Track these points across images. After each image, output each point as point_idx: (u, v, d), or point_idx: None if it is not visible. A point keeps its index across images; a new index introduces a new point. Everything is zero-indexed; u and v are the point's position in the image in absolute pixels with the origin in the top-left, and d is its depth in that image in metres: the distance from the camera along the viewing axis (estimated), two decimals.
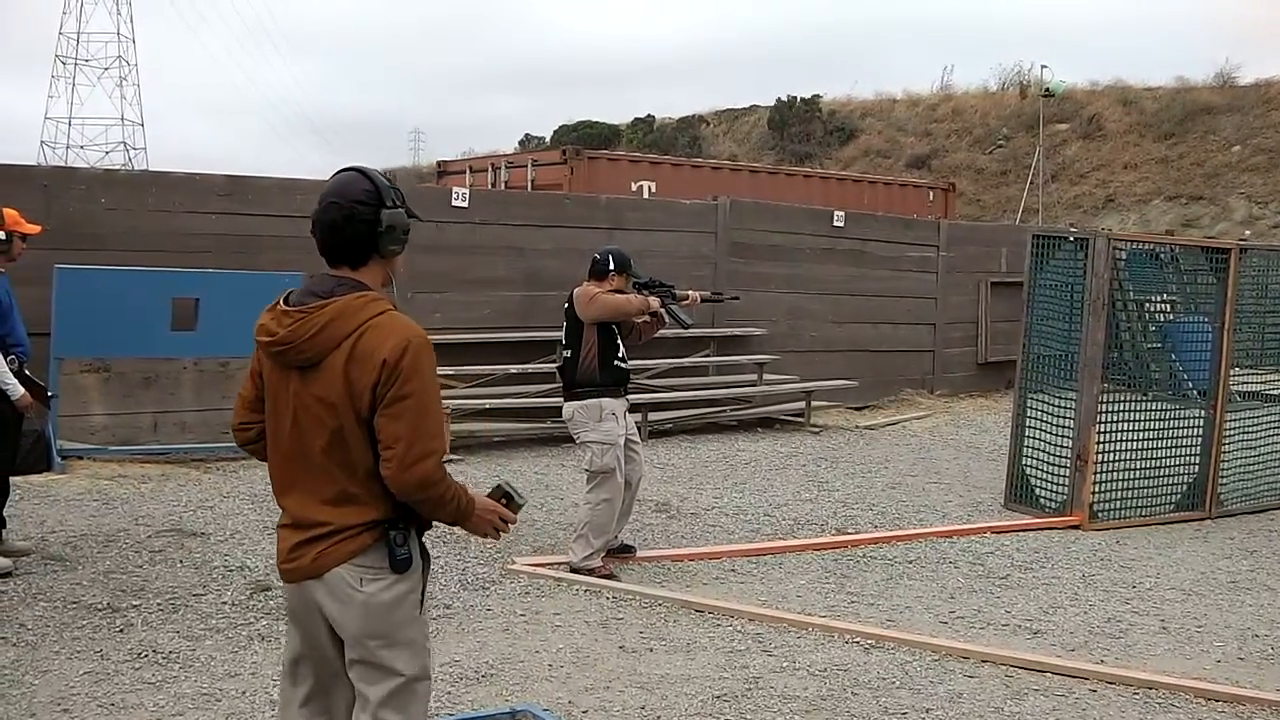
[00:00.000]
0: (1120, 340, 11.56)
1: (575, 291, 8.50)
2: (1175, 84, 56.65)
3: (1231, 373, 11.44)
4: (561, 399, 8.64)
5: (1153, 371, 12.36)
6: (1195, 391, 11.74)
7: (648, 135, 57.14)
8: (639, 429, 13.53)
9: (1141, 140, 53.44)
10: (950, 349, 18.47)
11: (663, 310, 8.64)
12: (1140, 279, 12.62)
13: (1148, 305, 12.99)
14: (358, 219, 3.65)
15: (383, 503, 3.65)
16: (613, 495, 8.35)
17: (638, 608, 7.66)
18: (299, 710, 3.90)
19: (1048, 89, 43.65)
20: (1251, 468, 11.75)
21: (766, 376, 15.32)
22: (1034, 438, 11.11)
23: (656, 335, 9.04)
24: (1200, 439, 11.29)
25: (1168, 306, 12.93)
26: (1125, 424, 10.88)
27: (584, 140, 46.44)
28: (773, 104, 59.04)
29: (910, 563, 9.07)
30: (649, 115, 60.38)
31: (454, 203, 14.04)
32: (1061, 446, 10.77)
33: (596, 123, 57.48)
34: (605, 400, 8.33)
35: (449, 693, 6.10)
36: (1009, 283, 17.55)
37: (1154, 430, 11.11)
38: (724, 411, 14.84)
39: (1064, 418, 10.78)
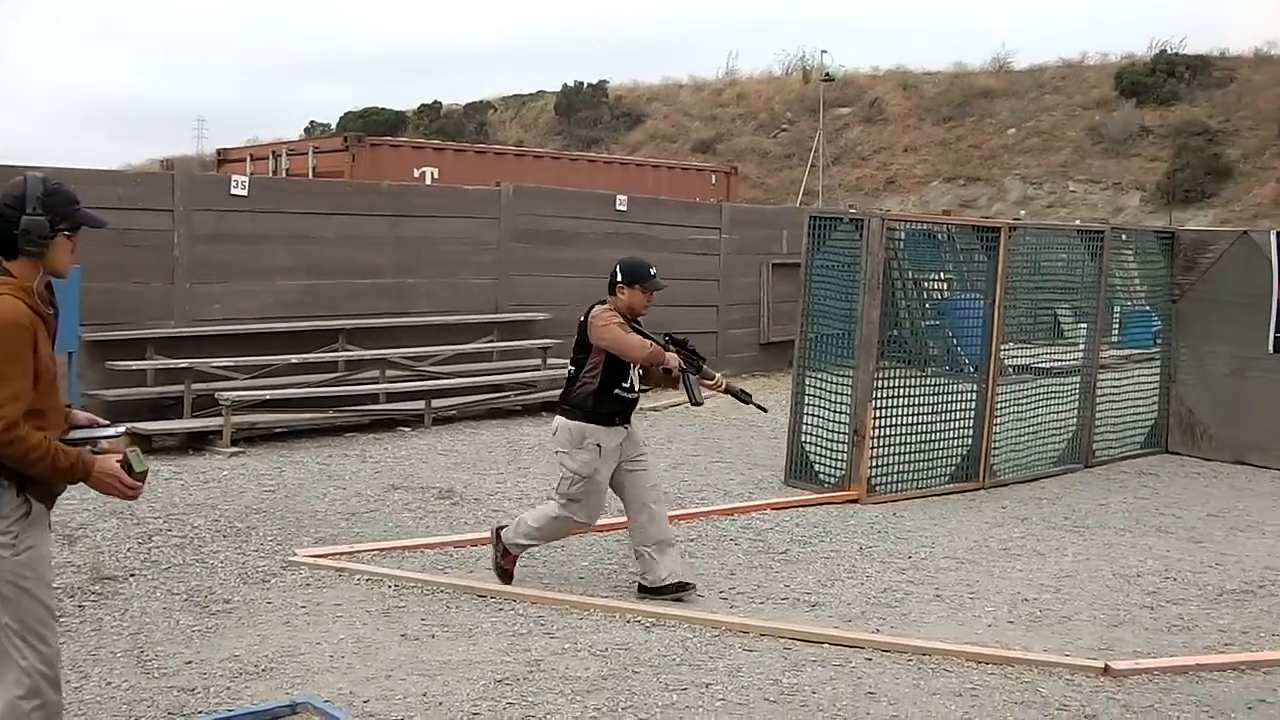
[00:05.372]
0: (899, 318, 11.82)
1: (594, 309, 7.79)
2: (954, 69, 58.11)
3: (1003, 347, 11.78)
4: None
5: (930, 348, 12.68)
6: (970, 366, 12.07)
7: (434, 122, 56.77)
8: (424, 417, 13.56)
9: (921, 124, 54.69)
10: (733, 330, 18.69)
11: (679, 374, 7.79)
12: (918, 258, 12.93)
13: (925, 284, 13.32)
14: (4, 219, 4.30)
15: None
16: (569, 517, 7.79)
17: (420, 595, 7.62)
18: None
19: (828, 74, 44.41)
20: (1023, 438, 12.14)
21: (551, 361, 15.32)
22: (813, 415, 11.30)
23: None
24: (973, 412, 11.61)
25: (944, 284, 13.26)
26: (901, 400, 11.14)
27: (370, 127, 45.96)
28: (560, 89, 59.09)
29: (692, 541, 9.15)
30: (435, 102, 59.96)
31: (233, 191, 13.73)
32: (839, 423, 10.98)
33: (383, 109, 56.90)
34: (590, 427, 7.66)
35: (228, 688, 6.03)
36: (790, 264, 17.75)
37: (929, 405, 11.40)
38: (508, 397, 14.80)
39: (842, 395, 10.99)
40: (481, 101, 61.40)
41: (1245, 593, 8.42)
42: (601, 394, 7.68)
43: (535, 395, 14.97)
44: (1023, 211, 44.44)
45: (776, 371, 18.41)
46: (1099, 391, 13.06)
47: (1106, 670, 6.71)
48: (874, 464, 10.81)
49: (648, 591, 7.71)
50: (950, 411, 11.52)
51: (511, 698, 6.00)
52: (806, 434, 11.33)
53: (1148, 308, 14.23)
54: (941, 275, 13.33)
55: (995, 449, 11.67)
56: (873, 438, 10.77)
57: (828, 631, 7.18)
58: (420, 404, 13.79)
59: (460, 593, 7.69)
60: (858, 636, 7.12)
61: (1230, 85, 50.84)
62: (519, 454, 12.35)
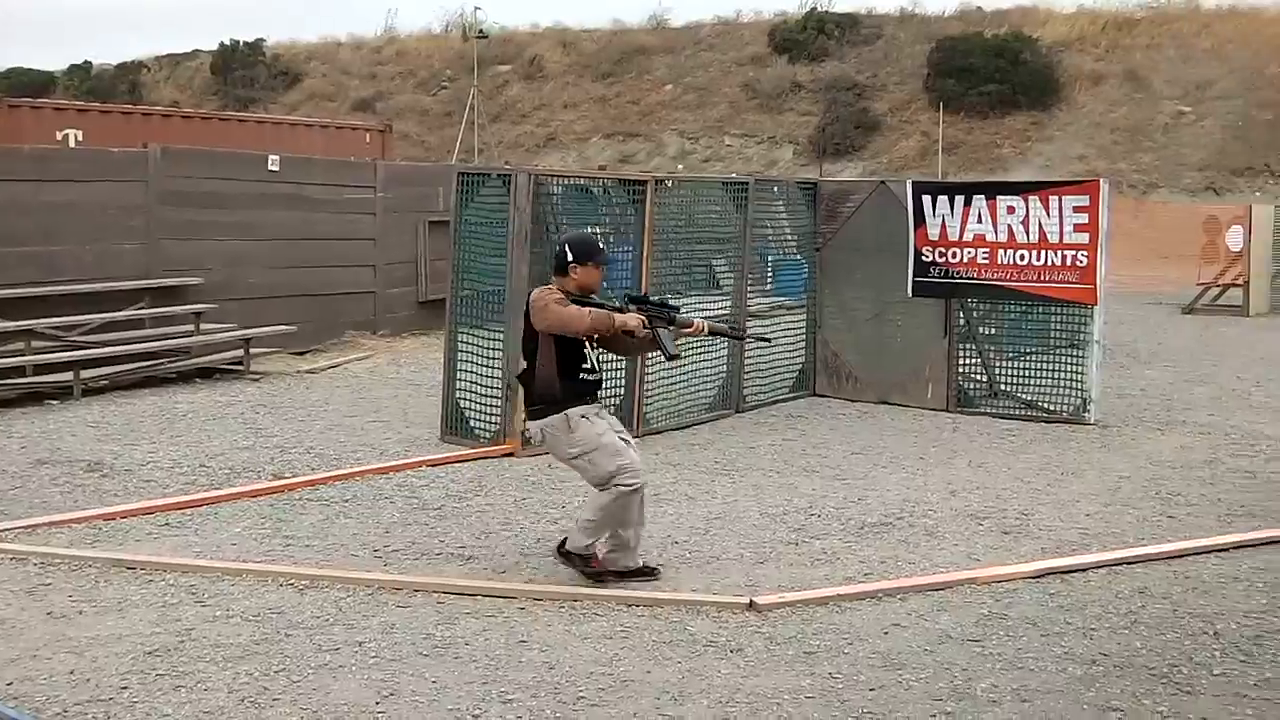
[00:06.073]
0: None
1: (533, 293, 7.40)
2: (612, 26, 58.78)
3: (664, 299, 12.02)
4: None
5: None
6: None
7: (85, 83, 54.80)
8: (73, 389, 13.14)
9: (580, 80, 55.27)
10: (391, 289, 18.60)
11: (646, 331, 7.41)
12: (574, 214, 13.12)
13: None
14: None
15: None
16: (621, 490, 7.31)
17: (67, 571, 7.44)
18: None
19: (482, 31, 44.45)
20: (674, 388, 12.45)
21: (205, 326, 15.03)
22: (466, 371, 11.39)
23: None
24: (625, 363, 11.85)
25: (599, 239, 13.47)
26: None
27: (15, 89, 44.05)
28: (216, 48, 57.69)
29: (347, 502, 9.17)
30: (86, 62, 57.77)
31: None
32: (493, 379, 11.09)
33: (29, 70, 54.59)
34: (570, 410, 7.30)
35: None
36: (447, 221, 17.80)
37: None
38: (161, 364, 14.46)
39: (495, 351, 11.10)
40: (134, 61, 59.46)
41: (885, 525, 8.89)
42: (566, 378, 7.32)
43: (190, 362, 14.68)
44: (680, 165, 45.44)
45: (435, 329, 18.36)
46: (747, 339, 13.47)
47: (751, 605, 7.01)
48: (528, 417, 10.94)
49: (565, 555, 7.52)
50: (604, 363, 11.72)
51: (162, 669, 5.95)
52: (461, 390, 11.41)
53: (799, 257, 14.75)
54: (597, 230, 13.56)
55: (648, 398, 11.97)
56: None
57: (481, 583, 7.32)
58: (69, 375, 13.36)
59: (109, 566, 7.53)
60: (510, 586, 7.27)
61: (877, 43, 52.92)
62: (172, 422, 12.10)
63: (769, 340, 8.60)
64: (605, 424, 7.45)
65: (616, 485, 7.28)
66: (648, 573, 7.54)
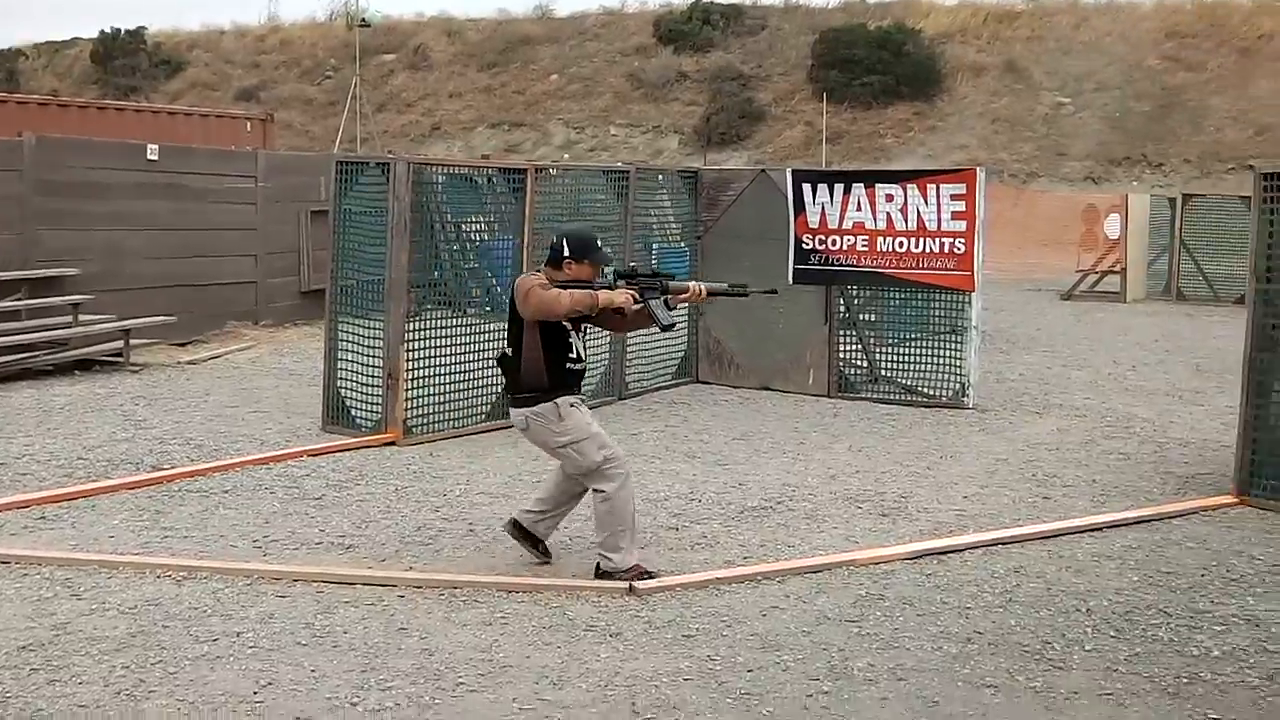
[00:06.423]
0: (439, 262, 11.94)
1: (518, 280, 7.26)
2: (498, 15, 58.70)
3: None
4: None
5: (472, 290, 12.87)
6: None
7: None
8: None
9: (466, 70, 55.08)
10: (273, 279, 18.42)
11: (639, 305, 7.29)
12: (457, 203, 13.08)
13: (465, 227, 13.50)
14: None
15: None
16: (620, 479, 7.27)
17: None
18: None
19: (363, 19, 44.15)
20: None
21: (83, 317, 14.81)
22: (347, 361, 11.33)
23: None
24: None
25: (483, 228, 13.46)
26: (438, 342, 11.27)
27: None
28: (96, 36, 56.79)
29: (226, 492, 9.09)
30: None
31: None
32: (374, 367, 11.04)
33: None
34: (559, 398, 7.18)
35: None
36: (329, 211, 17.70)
37: (465, 346, 11.56)
38: (38, 356, 14.22)
39: (375, 339, 11.05)
40: (12, 49, 58.35)
41: (764, 509, 8.97)
42: (552, 368, 7.19)
43: (68, 353, 14.44)
44: (566, 155, 45.44)
45: (317, 319, 18.20)
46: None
47: (631, 590, 7.06)
48: (410, 406, 10.93)
49: (514, 527, 7.55)
50: (486, 352, 11.71)
51: (36, 663, 5.87)
52: (342, 380, 11.35)
53: (683, 245, 14.81)
54: (480, 219, 13.53)
55: None
56: (408, 381, 10.89)
57: (360, 572, 7.29)
58: None
59: None
60: (390, 575, 7.25)
61: (762, 33, 53.19)
62: (49, 414, 11.90)
63: (776, 291, 8.53)
64: (593, 417, 7.41)
65: (611, 482, 7.24)
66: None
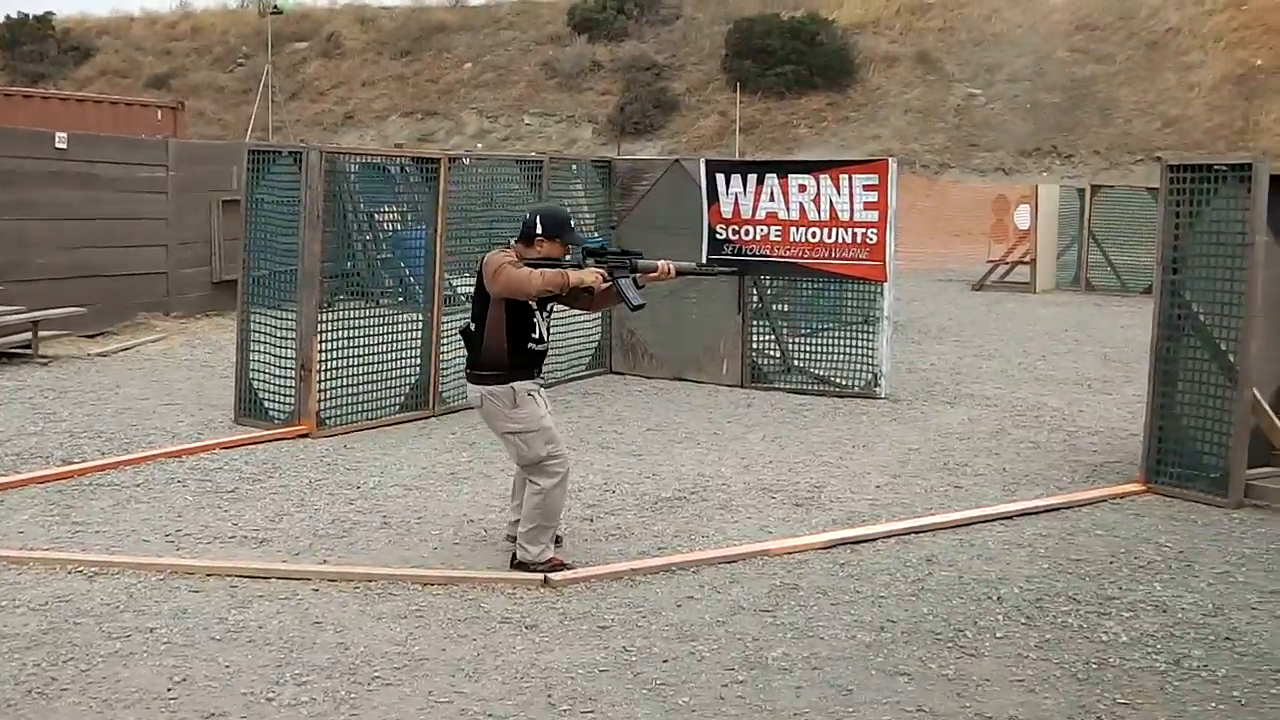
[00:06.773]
0: (352, 252, 11.88)
1: (486, 256, 7.21)
2: (411, 3, 58.41)
3: (459, 278, 12.00)
4: None
5: (385, 280, 12.82)
6: (420, 297, 12.27)
7: None
8: None
9: (379, 58, 54.77)
10: (184, 269, 18.22)
11: (607, 285, 7.27)
12: (371, 192, 13.02)
13: (378, 217, 13.45)
14: None
15: None
16: (559, 477, 7.30)
17: None
18: None
19: (275, 7, 43.69)
20: None
21: None
22: (259, 352, 11.25)
23: None
24: (421, 342, 11.84)
25: (397, 218, 13.42)
26: (351, 333, 11.23)
27: None
28: (2, 21, 55.89)
29: (138, 486, 9.01)
30: None
31: None
32: (286, 358, 10.98)
33: None
34: (516, 384, 7.16)
35: None
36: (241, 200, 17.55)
37: (379, 337, 11.52)
38: None
39: (287, 331, 10.99)
40: None
41: (679, 499, 9.02)
42: (515, 348, 7.17)
43: None
44: (479, 144, 45.26)
45: (229, 310, 18.03)
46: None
47: (546, 581, 7.09)
48: (323, 398, 10.88)
49: (520, 567, 7.36)
50: (400, 342, 11.69)
51: None
52: (254, 372, 11.27)
53: (596, 235, 14.79)
54: (394, 208, 13.47)
55: (444, 377, 11.92)
56: (320, 372, 10.83)
57: (274, 566, 7.27)
58: None
59: None
60: (304, 569, 7.24)
61: (676, 23, 53.20)
62: None
63: (738, 271, 8.44)
64: (545, 407, 7.36)
65: (549, 477, 7.25)
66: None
